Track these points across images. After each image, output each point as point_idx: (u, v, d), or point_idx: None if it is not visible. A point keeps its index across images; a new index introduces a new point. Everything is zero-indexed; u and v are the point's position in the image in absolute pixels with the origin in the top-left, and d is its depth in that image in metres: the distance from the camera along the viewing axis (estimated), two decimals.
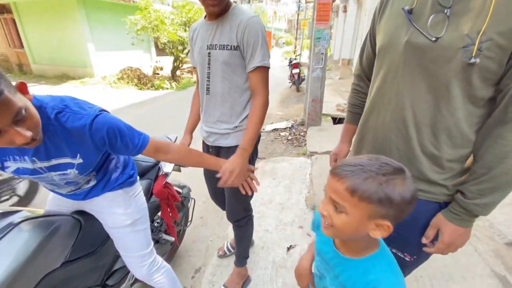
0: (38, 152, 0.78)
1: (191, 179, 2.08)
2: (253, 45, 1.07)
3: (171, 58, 9.89)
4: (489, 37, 0.60)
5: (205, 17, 1.16)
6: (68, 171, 0.85)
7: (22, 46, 10.11)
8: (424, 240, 0.80)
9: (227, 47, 1.09)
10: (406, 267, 0.91)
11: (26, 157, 0.79)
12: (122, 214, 1.06)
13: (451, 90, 0.67)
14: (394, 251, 0.87)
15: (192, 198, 1.89)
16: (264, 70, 1.11)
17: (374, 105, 0.84)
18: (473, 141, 0.72)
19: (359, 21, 8.17)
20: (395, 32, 0.75)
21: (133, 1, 9.50)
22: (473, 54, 0.61)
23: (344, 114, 4.52)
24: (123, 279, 1.31)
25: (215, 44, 1.11)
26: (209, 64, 1.15)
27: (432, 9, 0.67)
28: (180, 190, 1.75)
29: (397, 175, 0.54)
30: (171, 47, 9.30)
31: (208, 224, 2.33)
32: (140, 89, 8.57)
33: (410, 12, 0.71)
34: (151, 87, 8.78)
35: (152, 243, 1.20)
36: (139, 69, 9.75)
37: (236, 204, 1.39)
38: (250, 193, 1.17)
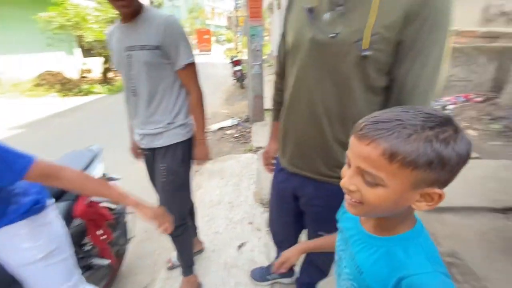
0: None
1: (138, 188, 1.90)
2: (176, 44, 1.10)
3: (102, 59, 8.94)
4: (377, 31, 0.66)
5: (120, 20, 1.15)
6: None
7: None
8: None
9: (146, 47, 1.10)
10: None
11: None
12: (30, 249, 0.88)
13: (352, 82, 0.73)
14: (324, 234, 0.95)
15: (130, 212, 1.72)
16: (191, 66, 1.17)
17: (291, 102, 0.89)
18: None
19: None
20: (300, 30, 0.79)
21: None
22: (366, 47, 0.67)
23: None
24: None
25: (134, 45, 1.11)
26: (130, 65, 1.14)
27: (328, 7, 0.72)
28: (112, 207, 1.57)
29: (448, 126, 0.42)
30: (100, 47, 8.37)
31: (154, 237, 2.17)
32: (65, 95, 7.55)
33: (311, 10, 0.75)
34: (79, 92, 7.79)
35: (77, 272, 1.05)
36: (61, 73, 8.56)
37: (170, 213, 1.32)
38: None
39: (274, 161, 1.15)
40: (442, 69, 0.70)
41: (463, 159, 0.42)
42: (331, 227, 0.93)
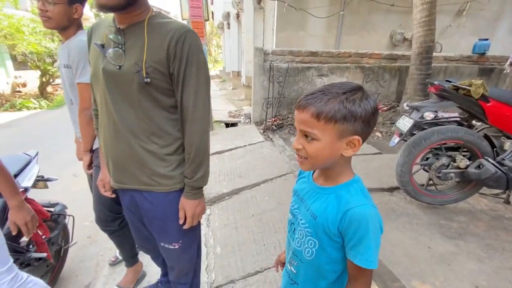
0: None
1: (80, 201, 1.98)
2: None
3: (38, 73, 8.31)
4: (150, 64, 0.84)
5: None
6: None
7: None
8: (180, 221, 1.03)
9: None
10: (182, 254, 1.13)
11: None
12: None
13: (143, 103, 0.89)
14: (166, 246, 1.09)
15: (69, 215, 1.82)
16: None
17: (100, 124, 1.01)
18: (180, 138, 0.98)
19: (241, 37, 9.20)
20: (96, 62, 0.93)
21: None
22: (144, 76, 0.85)
23: (235, 120, 5.07)
24: None
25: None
26: (65, 81, 1.33)
27: (113, 45, 0.88)
28: (51, 209, 1.67)
29: (357, 91, 0.57)
30: (36, 59, 7.83)
31: (98, 242, 2.24)
32: None
33: (102, 46, 0.90)
34: (11, 107, 7.12)
35: (10, 260, 1.15)
36: None
37: (101, 205, 1.45)
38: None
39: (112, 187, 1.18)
40: (208, 92, 0.94)
41: (369, 113, 0.57)
42: (169, 237, 1.07)
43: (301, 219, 0.69)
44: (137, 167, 0.97)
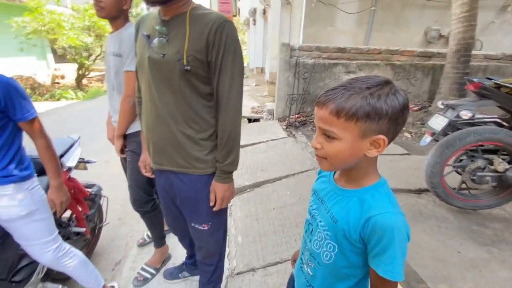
0: None
1: (112, 185, 2.13)
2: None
3: (75, 66, 8.88)
4: (190, 53, 0.90)
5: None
6: None
7: None
8: (211, 203, 1.09)
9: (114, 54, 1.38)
10: (210, 235, 1.20)
11: None
12: (15, 206, 1.11)
13: (183, 89, 0.95)
14: (196, 226, 1.16)
15: (104, 196, 1.96)
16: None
17: (144, 109, 1.08)
18: (214, 124, 1.04)
19: (266, 33, 9.19)
20: (142, 52, 1.00)
21: (20, 1, 8.15)
22: (185, 64, 0.90)
23: (258, 115, 5.11)
24: (31, 275, 1.33)
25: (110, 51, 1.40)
26: (110, 68, 1.43)
27: (158, 35, 0.95)
28: (89, 189, 1.81)
29: (384, 85, 0.52)
30: (74, 53, 8.37)
31: (127, 223, 2.39)
32: (35, 100, 7.40)
33: (148, 37, 0.97)
34: (50, 97, 7.69)
35: (56, 231, 1.27)
36: (33, 78, 8.38)
37: (136, 188, 1.54)
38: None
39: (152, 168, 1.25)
40: (242, 81, 0.99)
41: (397, 110, 0.51)
42: (200, 218, 1.16)
43: (320, 221, 0.65)
44: (175, 150, 1.03)
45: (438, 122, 1.96)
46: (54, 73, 9.89)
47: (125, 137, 1.50)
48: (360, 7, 5.25)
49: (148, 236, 2.00)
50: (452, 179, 2.03)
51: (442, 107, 2.02)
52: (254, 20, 10.90)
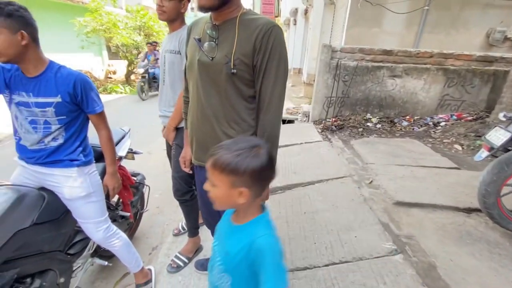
0: (34, 91, 1.14)
1: (153, 175, 2.29)
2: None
3: (125, 62, 9.67)
4: (237, 56, 0.95)
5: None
6: (47, 108, 1.15)
7: None
8: None
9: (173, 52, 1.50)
10: None
11: (24, 93, 1.14)
12: (77, 187, 1.27)
13: (228, 92, 1.00)
14: None
15: (147, 185, 2.11)
16: None
17: (190, 108, 1.15)
18: (254, 126, 1.07)
19: (307, 33, 9.05)
20: (193, 54, 1.06)
21: (82, 2, 9.10)
22: (231, 67, 0.95)
23: (292, 117, 5.07)
24: (83, 250, 1.49)
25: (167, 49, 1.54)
26: (164, 64, 1.55)
27: (208, 39, 1.01)
28: (134, 178, 1.97)
29: (248, 150, 0.66)
30: (125, 51, 9.12)
31: (164, 212, 2.55)
32: None
33: (199, 40, 1.03)
34: (103, 91, 8.47)
35: (107, 213, 1.42)
36: (90, 72, 9.31)
37: (178, 178, 1.64)
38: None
39: (191, 163, 1.33)
40: (285, 84, 1.01)
41: (256, 169, 0.65)
42: None
43: (217, 256, 0.77)
44: None
45: (498, 136, 1.76)
46: (108, 68, 10.86)
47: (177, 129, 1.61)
48: (411, 7, 4.90)
49: (182, 227, 2.11)
50: (510, 201, 1.81)
51: (504, 119, 1.81)
52: (295, 20, 10.80)
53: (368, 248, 1.78)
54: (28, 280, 1.19)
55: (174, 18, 1.47)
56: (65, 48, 8.96)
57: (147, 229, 2.29)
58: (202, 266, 1.73)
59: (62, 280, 1.34)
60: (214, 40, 0.99)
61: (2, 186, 1.12)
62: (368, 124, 4.08)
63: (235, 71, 0.95)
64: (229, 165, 0.64)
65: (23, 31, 1.05)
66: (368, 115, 4.25)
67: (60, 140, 1.22)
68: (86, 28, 8.16)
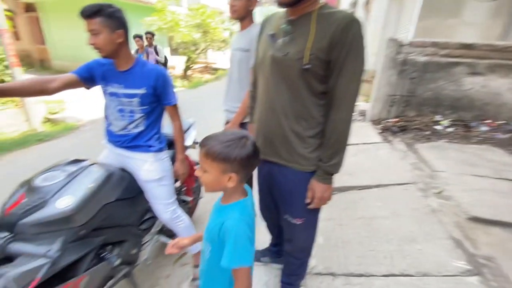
0: (124, 83, 1.29)
1: None
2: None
3: (183, 58, 10.36)
4: (313, 52, 0.92)
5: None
6: (133, 99, 1.29)
7: (44, 43, 10.72)
8: (307, 201, 1.10)
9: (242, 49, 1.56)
10: (302, 231, 1.22)
11: (116, 85, 1.30)
12: (152, 171, 1.41)
13: (299, 87, 0.99)
14: (289, 219, 1.19)
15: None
16: None
17: (259, 103, 1.15)
18: (323, 123, 1.04)
19: (366, 27, 8.45)
20: (265, 50, 1.06)
21: (150, 3, 9.99)
22: (305, 63, 0.93)
23: None
24: (151, 226, 1.66)
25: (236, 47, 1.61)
26: (233, 61, 1.63)
27: (283, 34, 0.99)
28: (195, 166, 2.10)
29: (237, 141, 0.76)
30: (184, 47, 9.76)
31: None
32: None
33: (273, 36, 1.02)
34: None
35: (175, 196, 1.55)
36: None
37: None
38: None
39: None
40: (360, 81, 0.95)
41: (242, 158, 0.75)
42: (294, 212, 1.18)
43: (205, 240, 0.88)
44: (282, 144, 1.08)
45: None
46: (169, 64, 11.78)
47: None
48: None
49: None
50: None
51: None
52: (354, 12, 10.16)
53: (435, 264, 1.60)
54: (109, 247, 1.36)
55: (244, 16, 1.52)
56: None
57: (202, 215, 2.43)
58: (254, 256, 1.77)
59: (134, 251, 1.50)
60: (289, 35, 0.98)
61: (95, 164, 1.30)
62: (437, 127, 3.63)
63: (309, 66, 0.93)
64: (220, 154, 0.74)
65: (119, 31, 1.19)
66: (438, 117, 3.78)
67: (141, 127, 1.36)
68: (152, 27, 8.95)
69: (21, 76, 4.26)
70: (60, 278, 1.06)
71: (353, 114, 1.00)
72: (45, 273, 0.90)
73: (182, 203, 1.93)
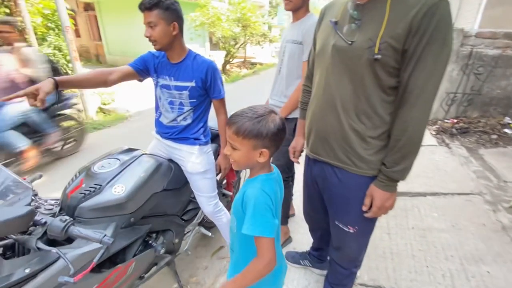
0: (175, 75, 1.29)
1: None
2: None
3: (223, 53, 10.51)
4: (385, 40, 0.80)
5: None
6: (183, 91, 1.28)
7: (100, 39, 11.73)
8: (364, 208, 0.98)
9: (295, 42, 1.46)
10: (353, 240, 1.10)
11: (167, 77, 1.30)
12: (197, 164, 1.41)
13: (365, 80, 0.87)
14: (340, 225, 1.08)
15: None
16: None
17: (315, 97, 1.04)
18: (389, 122, 0.91)
19: None
20: (326, 39, 0.96)
21: None
22: (375, 52, 0.81)
23: None
24: (194, 217, 1.67)
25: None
26: (284, 53, 1.53)
27: (349, 21, 0.88)
28: None
29: (266, 116, 0.76)
30: (224, 42, 9.89)
31: None
32: None
33: (336, 23, 0.92)
34: None
35: (217, 190, 1.53)
36: None
37: (284, 167, 1.64)
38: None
39: (300, 154, 1.31)
40: (443, 75, 0.81)
41: (273, 133, 0.75)
42: (347, 218, 1.06)
43: (233, 204, 0.87)
44: (338, 143, 0.98)
45: None
46: (209, 58, 12.09)
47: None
48: None
49: None
50: None
51: None
52: None
53: None
54: (154, 235, 1.39)
55: (300, 6, 1.42)
56: None
57: None
58: (293, 258, 1.70)
59: (176, 240, 1.53)
60: (356, 22, 0.87)
61: (146, 154, 1.33)
62: (507, 130, 3.16)
63: (379, 56, 0.81)
64: (252, 131, 0.74)
65: (175, 23, 1.18)
66: (508, 119, 3.28)
67: (189, 120, 1.36)
68: (195, 22, 9.21)
69: (81, 69, 4.67)
70: (111, 261, 1.10)
71: (429, 113, 0.85)
72: (100, 258, 0.93)
73: (222, 196, 1.93)
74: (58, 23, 5.40)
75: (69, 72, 5.64)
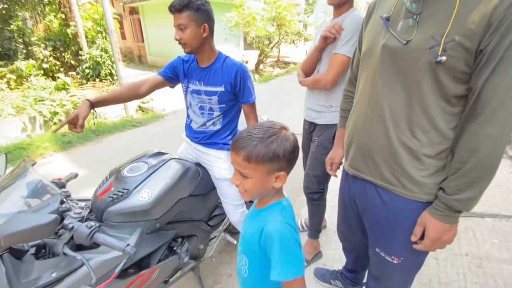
0: (204, 80, 1.25)
1: None
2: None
3: (257, 52, 10.50)
4: (452, 38, 0.66)
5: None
6: (213, 96, 1.25)
7: (143, 41, 12.47)
8: (413, 238, 0.82)
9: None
10: (398, 271, 0.95)
11: (197, 82, 1.27)
12: (225, 169, 1.36)
13: (422, 87, 0.73)
14: (381, 254, 0.94)
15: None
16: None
17: (358, 104, 0.91)
18: (451, 138, 0.75)
19: None
20: (375, 38, 0.83)
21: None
22: (439, 53, 0.67)
23: None
24: (220, 223, 1.63)
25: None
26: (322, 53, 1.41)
27: (404, 16, 0.74)
28: None
29: (278, 133, 0.67)
30: (258, 41, 9.86)
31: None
32: None
33: (387, 19, 0.78)
34: None
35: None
36: None
37: (312, 177, 1.54)
38: None
39: (339, 167, 1.19)
40: None
41: (290, 151, 0.67)
42: (390, 247, 0.90)
43: (240, 248, 0.79)
44: (385, 160, 0.84)
45: None
46: (242, 58, 12.19)
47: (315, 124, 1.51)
48: None
49: (302, 225, 2.02)
50: None
51: None
52: None
53: None
54: (180, 240, 1.37)
55: (345, 1, 1.29)
56: (215, 40, 10.64)
57: None
58: (323, 276, 1.58)
59: (201, 246, 1.49)
60: (414, 17, 0.73)
61: (174, 159, 1.31)
62: None
63: (444, 58, 0.67)
64: (266, 155, 0.65)
65: (206, 24, 1.13)
66: None
67: (218, 126, 1.32)
68: (230, 22, 9.32)
69: (123, 69, 4.97)
70: (136, 265, 1.09)
71: (509, 130, 0.68)
72: (123, 266, 0.91)
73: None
74: (106, 27, 5.82)
75: (113, 72, 6.05)
